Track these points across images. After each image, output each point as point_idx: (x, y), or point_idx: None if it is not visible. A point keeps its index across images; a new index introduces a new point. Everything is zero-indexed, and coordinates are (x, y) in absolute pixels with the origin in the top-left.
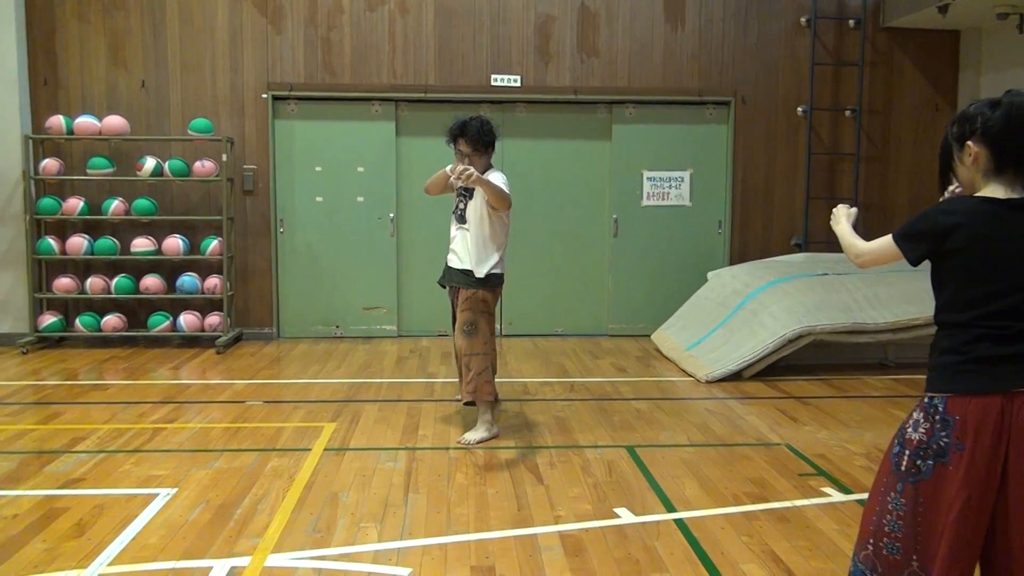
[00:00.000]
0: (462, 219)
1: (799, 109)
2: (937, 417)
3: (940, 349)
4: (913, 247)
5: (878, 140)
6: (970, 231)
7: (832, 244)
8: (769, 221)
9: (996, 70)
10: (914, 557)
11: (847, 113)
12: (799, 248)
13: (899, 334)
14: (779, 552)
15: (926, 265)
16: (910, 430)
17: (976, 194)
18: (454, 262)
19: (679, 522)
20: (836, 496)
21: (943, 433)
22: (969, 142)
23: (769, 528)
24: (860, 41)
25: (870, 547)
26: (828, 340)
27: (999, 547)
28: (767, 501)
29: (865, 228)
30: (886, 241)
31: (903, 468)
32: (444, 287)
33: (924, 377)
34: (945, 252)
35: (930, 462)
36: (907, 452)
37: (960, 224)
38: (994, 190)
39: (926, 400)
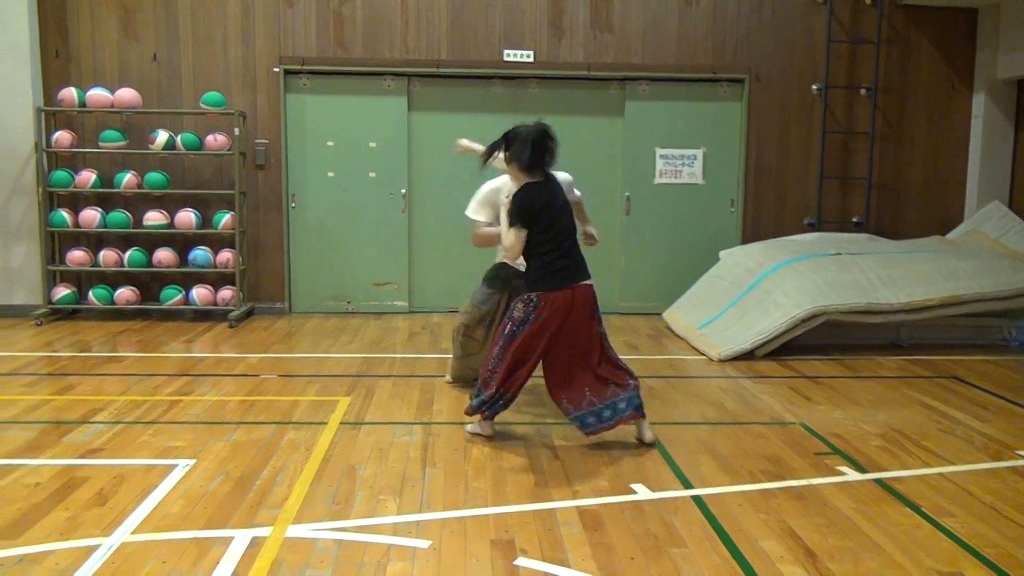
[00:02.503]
0: None
1: (814, 87)
2: (531, 304)
3: (536, 267)
4: (527, 223)
5: (893, 119)
6: (542, 203)
7: (845, 224)
8: (782, 200)
9: (1014, 48)
10: (503, 375)
11: (862, 91)
12: (812, 227)
13: (913, 315)
14: (797, 529)
15: (937, 247)
16: (514, 312)
17: (528, 182)
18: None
19: (696, 498)
20: (852, 475)
21: (532, 312)
22: (505, 154)
23: (786, 505)
24: (876, 18)
25: (493, 384)
26: (841, 320)
27: (549, 364)
28: (783, 479)
29: (879, 207)
30: (508, 228)
31: (506, 332)
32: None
33: (939, 358)
34: (534, 219)
35: (523, 327)
36: (510, 324)
37: (539, 200)
38: (533, 178)
39: (527, 296)
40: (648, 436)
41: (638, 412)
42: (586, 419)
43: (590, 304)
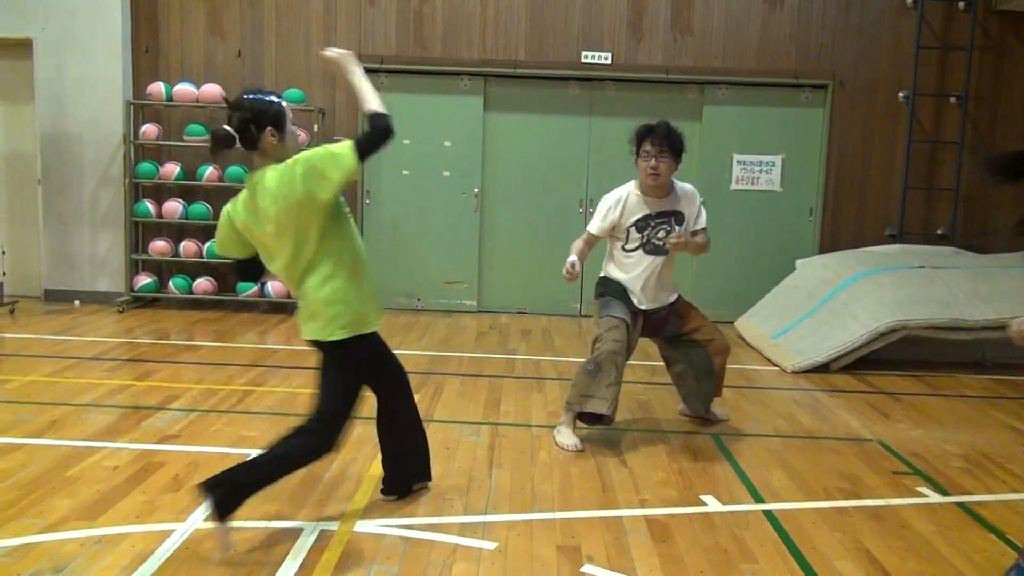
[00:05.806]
0: (660, 250)
1: (900, 94)
2: None
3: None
4: None
5: (984, 128)
6: None
7: (928, 236)
8: (863, 210)
9: None
10: None
11: (952, 100)
12: (893, 239)
13: (999, 332)
14: (874, 551)
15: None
16: None
17: None
18: (661, 298)
19: (768, 513)
20: (933, 497)
21: None
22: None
23: (862, 525)
24: (970, 24)
25: None
26: (922, 336)
27: None
28: (860, 497)
29: (966, 219)
30: None
31: None
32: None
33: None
34: None
35: None
36: None
37: None
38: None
39: None
40: None
41: None
42: None
43: None
